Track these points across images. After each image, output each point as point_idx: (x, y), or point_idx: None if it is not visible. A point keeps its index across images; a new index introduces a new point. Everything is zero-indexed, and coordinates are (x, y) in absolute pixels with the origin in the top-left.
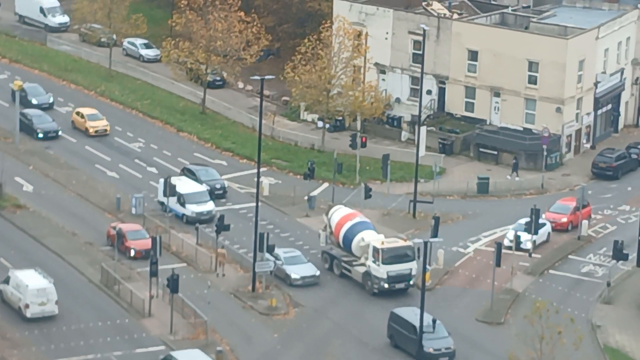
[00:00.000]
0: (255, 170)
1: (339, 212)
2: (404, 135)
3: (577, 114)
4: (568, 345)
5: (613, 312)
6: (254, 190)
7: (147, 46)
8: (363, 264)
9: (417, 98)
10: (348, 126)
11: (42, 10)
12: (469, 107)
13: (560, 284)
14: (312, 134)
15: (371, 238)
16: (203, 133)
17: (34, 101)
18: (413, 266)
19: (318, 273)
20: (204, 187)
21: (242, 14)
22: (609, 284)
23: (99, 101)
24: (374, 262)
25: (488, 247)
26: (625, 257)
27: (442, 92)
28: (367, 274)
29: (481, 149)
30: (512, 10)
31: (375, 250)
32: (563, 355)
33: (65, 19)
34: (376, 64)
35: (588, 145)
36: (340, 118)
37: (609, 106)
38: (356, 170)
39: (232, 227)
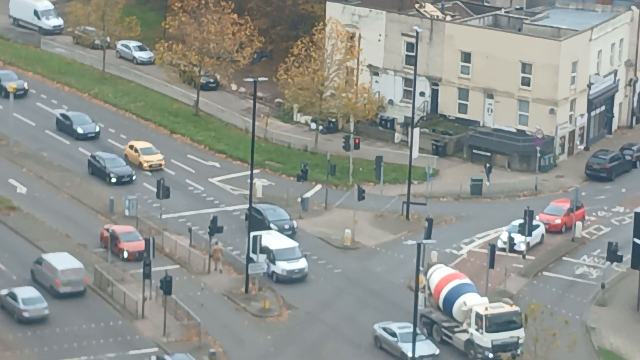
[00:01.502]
0: (249, 172)
1: (439, 272)
2: (397, 137)
3: (570, 116)
4: (562, 348)
5: (607, 314)
6: (247, 192)
7: (141, 48)
8: (465, 331)
9: (410, 100)
10: (341, 128)
11: (36, 13)
12: (462, 108)
13: (554, 286)
14: (305, 135)
15: (474, 302)
16: (196, 135)
17: (80, 130)
18: (520, 334)
19: (437, 352)
20: (294, 243)
21: (235, 16)
22: (603, 286)
23: (92, 104)
24: (477, 329)
25: (482, 248)
26: (619, 259)
27: (435, 94)
28: (470, 343)
29: (474, 151)
30: (505, 12)
31: (479, 317)
32: (557, 358)
33: (59, 21)
34: (369, 66)
35: (582, 147)
36: (333, 120)
37: (603, 108)
38: (349, 172)
39: (225, 229)
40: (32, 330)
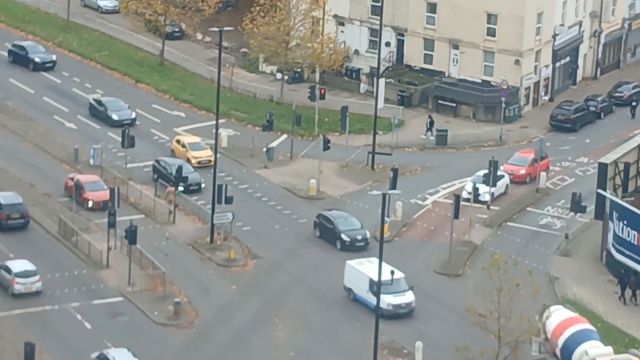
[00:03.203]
0: (214, 122)
1: (557, 315)
2: (363, 87)
3: (535, 67)
4: (526, 298)
5: (571, 264)
6: (213, 142)
7: None
8: None
9: (375, 50)
10: (307, 78)
11: None
12: (428, 59)
13: (518, 236)
14: (270, 85)
15: (597, 353)
16: (161, 84)
17: (115, 116)
18: None
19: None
20: (400, 274)
21: None
22: (567, 237)
23: (57, 52)
24: None
25: (446, 199)
26: (583, 210)
27: (400, 45)
28: None
29: (440, 101)
30: None
31: None
32: (521, 308)
33: None
34: (335, 16)
35: (546, 98)
36: (299, 70)
37: (567, 59)
38: (315, 122)
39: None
40: None
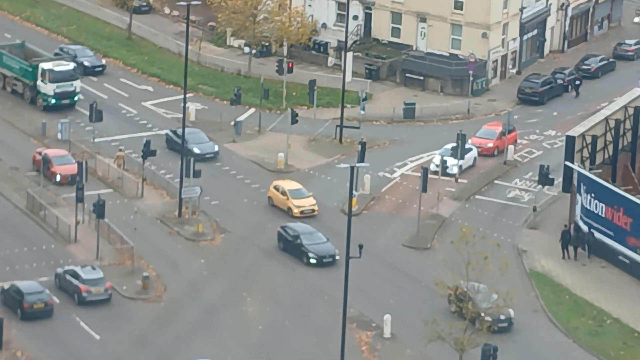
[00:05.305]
0: (182, 96)
1: None
2: (331, 61)
3: (503, 40)
4: (494, 271)
5: (539, 237)
6: (181, 116)
7: None
8: None
9: (343, 24)
10: (274, 52)
11: None
12: (395, 32)
13: (487, 209)
14: (238, 59)
15: None
16: (129, 59)
17: (196, 150)
18: None
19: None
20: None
21: None
22: (534, 209)
23: (23, 27)
24: None
25: (414, 172)
26: (551, 182)
27: (368, 18)
28: None
29: (407, 75)
30: None
31: None
32: (489, 281)
33: None
34: None
35: (514, 71)
36: (267, 44)
37: (535, 32)
38: (283, 96)
39: (158, 152)
40: None
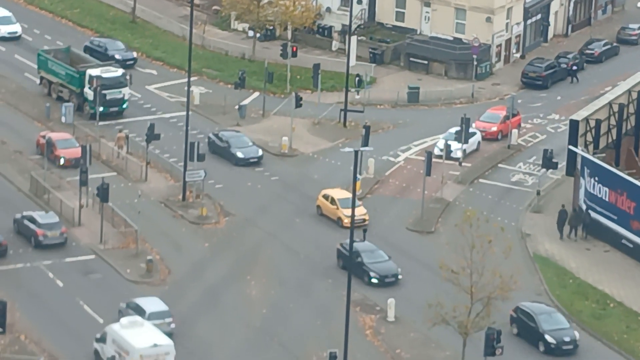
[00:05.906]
0: (186, 80)
1: None
2: (335, 44)
3: (507, 24)
4: (498, 254)
5: (542, 220)
6: (185, 99)
7: None
8: None
9: (347, 7)
10: (279, 35)
11: None
12: (400, 16)
13: (490, 193)
14: (242, 43)
15: None
16: (133, 42)
17: (240, 154)
18: None
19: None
20: None
21: None
22: (538, 193)
23: (28, 10)
24: None
25: (418, 156)
26: (554, 166)
27: (372, 2)
28: None
29: (411, 59)
30: None
31: None
32: (493, 264)
33: None
34: None
35: (518, 55)
36: (271, 27)
37: (539, 16)
38: (287, 80)
39: (162, 136)
40: None
